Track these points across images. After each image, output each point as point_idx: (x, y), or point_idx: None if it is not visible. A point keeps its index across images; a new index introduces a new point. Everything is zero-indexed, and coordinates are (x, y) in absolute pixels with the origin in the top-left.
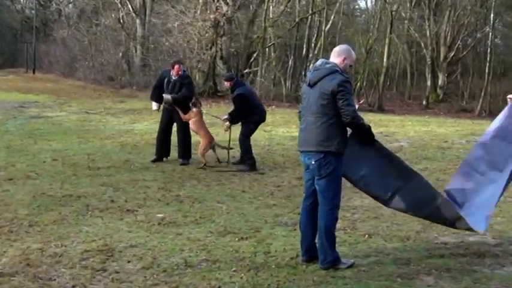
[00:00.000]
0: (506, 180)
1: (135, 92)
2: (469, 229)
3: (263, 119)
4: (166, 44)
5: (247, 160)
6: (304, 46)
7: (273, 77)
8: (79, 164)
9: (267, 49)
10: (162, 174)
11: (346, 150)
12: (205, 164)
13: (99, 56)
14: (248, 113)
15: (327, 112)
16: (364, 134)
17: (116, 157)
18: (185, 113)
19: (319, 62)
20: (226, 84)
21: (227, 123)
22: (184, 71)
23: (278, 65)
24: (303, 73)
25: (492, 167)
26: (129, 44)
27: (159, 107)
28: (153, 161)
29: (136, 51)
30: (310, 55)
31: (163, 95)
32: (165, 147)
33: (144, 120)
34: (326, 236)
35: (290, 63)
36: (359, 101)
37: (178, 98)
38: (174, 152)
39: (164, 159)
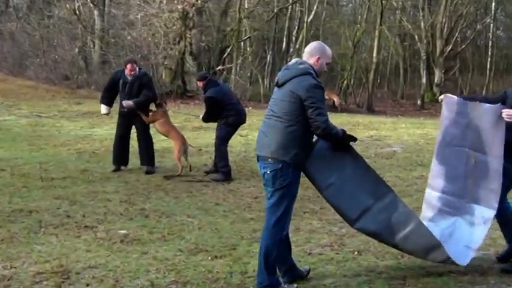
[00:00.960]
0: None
1: (94, 92)
2: (446, 261)
3: (242, 121)
4: (129, 38)
5: (222, 168)
6: (284, 40)
7: (249, 74)
8: (30, 174)
9: (242, 43)
10: (124, 185)
11: (316, 149)
12: (182, 170)
13: (52, 52)
14: (223, 114)
15: (289, 117)
16: (338, 142)
17: (72, 166)
18: (148, 115)
19: (292, 61)
20: (199, 84)
21: None
22: (139, 68)
23: (255, 61)
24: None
25: (457, 195)
26: (86, 38)
27: (109, 111)
28: (114, 171)
29: (94, 46)
30: (291, 50)
31: (123, 102)
32: (123, 154)
33: (104, 124)
34: (265, 257)
35: (268, 58)
36: (338, 100)
37: (140, 101)
38: (135, 160)
39: (122, 167)
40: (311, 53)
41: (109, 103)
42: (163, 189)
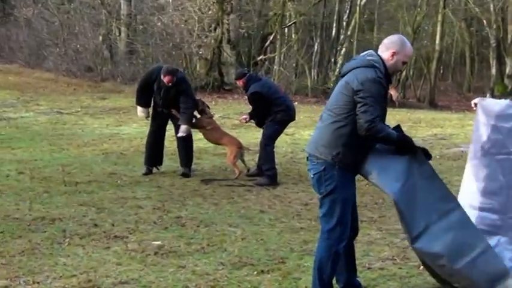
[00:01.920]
0: None
1: (120, 85)
2: None
3: (291, 117)
4: (159, 24)
5: (267, 171)
6: (334, 25)
7: (294, 65)
8: (52, 178)
9: (286, 30)
10: (157, 190)
11: (379, 149)
12: (239, 175)
13: (74, 40)
14: (270, 112)
15: (338, 111)
16: (395, 146)
17: (98, 169)
18: (191, 121)
19: (365, 52)
20: (239, 83)
21: (244, 116)
22: (179, 71)
23: (301, 49)
24: (333, 60)
25: (499, 211)
26: (112, 25)
27: (147, 113)
28: (145, 174)
29: (120, 34)
30: (341, 37)
31: (182, 127)
32: (157, 154)
33: (132, 122)
34: (319, 273)
35: (316, 47)
36: (396, 94)
37: (188, 118)
38: (168, 162)
39: (155, 169)
40: (387, 46)
41: (146, 103)
42: (201, 195)
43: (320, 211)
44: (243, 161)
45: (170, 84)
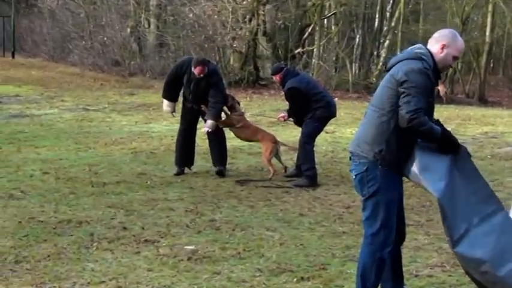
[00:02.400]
0: None
1: (149, 81)
2: None
3: (332, 113)
4: (190, 15)
5: (306, 171)
6: (377, 16)
7: (334, 58)
8: (78, 178)
9: (325, 21)
10: (189, 192)
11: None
12: (274, 174)
13: (100, 33)
14: (309, 108)
15: (382, 106)
16: (438, 143)
17: (127, 169)
18: (219, 118)
19: (412, 46)
20: (275, 78)
21: (282, 114)
22: (209, 62)
23: (341, 42)
24: (375, 53)
25: None
26: (140, 17)
27: (173, 108)
28: (177, 174)
29: (149, 25)
30: (385, 28)
31: (208, 122)
32: (188, 153)
33: (162, 119)
34: (362, 280)
35: (357, 39)
36: (443, 89)
37: (217, 112)
38: (200, 161)
39: (187, 169)
40: (437, 39)
41: (173, 97)
42: (236, 197)
43: (363, 214)
44: (279, 160)
45: (201, 75)
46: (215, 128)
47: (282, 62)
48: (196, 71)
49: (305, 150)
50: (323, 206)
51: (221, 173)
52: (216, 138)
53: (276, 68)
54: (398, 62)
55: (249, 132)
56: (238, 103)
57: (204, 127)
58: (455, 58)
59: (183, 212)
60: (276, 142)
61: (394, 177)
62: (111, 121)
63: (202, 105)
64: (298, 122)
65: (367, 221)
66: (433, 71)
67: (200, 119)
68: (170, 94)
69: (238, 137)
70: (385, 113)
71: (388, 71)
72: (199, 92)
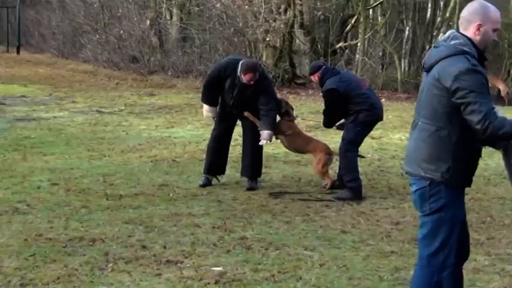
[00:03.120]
0: None
1: (171, 79)
2: None
3: (378, 117)
4: (218, 5)
5: (349, 182)
6: (429, 6)
7: (381, 53)
8: (91, 190)
9: (371, 11)
10: (217, 206)
11: None
12: (332, 184)
13: (116, 25)
14: (350, 111)
15: (439, 116)
16: None
17: (147, 180)
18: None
19: (446, 35)
20: (313, 78)
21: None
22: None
23: (389, 35)
24: (427, 47)
25: None
26: (161, 7)
27: (216, 114)
28: (203, 185)
29: (172, 17)
30: (438, 20)
31: (264, 133)
32: (220, 162)
33: (186, 123)
34: None
35: (407, 32)
36: (505, 89)
37: (272, 121)
38: (229, 171)
39: (218, 178)
40: (468, 19)
41: (214, 102)
42: (270, 211)
43: (420, 232)
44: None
45: (252, 82)
46: (270, 138)
47: (322, 59)
48: (245, 78)
49: (347, 158)
50: (369, 222)
51: (253, 189)
52: (253, 147)
53: (314, 67)
54: (438, 61)
55: (299, 142)
56: (293, 108)
57: (260, 139)
58: (495, 30)
59: (210, 229)
60: (330, 153)
61: (459, 192)
62: (128, 125)
63: (246, 112)
64: (329, 123)
65: (424, 240)
66: (478, 58)
67: (238, 121)
68: (211, 98)
69: (287, 146)
70: (445, 125)
71: (427, 71)
72: (244, 98)
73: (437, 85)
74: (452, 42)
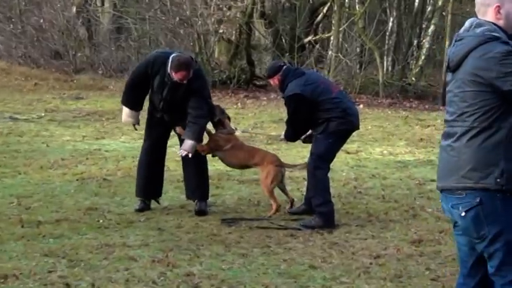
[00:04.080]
0: None
1: (102, 79)
2: None
3: (352, 126)
4: None
5: (319, 207)
6: None
7: (359, 49)
8: (2, 215)
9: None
10: (158, 235)
11: None
12: (276, 210)
13: (35, 13)
14: (319, 118)
15: (482, 115)
16: None
17: (71, 202)
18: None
19: (467, 25)
20: (272, 82)
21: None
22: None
23: (369, 27)
24: (415, 42)
25: None
26: None
27: (137, 120)
28: (140, 210)
29: (103, 3)
30: (428, 9)
31: (184, 154)
32: (155, 181)
33: (120, 133)
34: None
35: (391, 24)
36: None
37: (200, 130)
38: (173, 192)
39: (158, 201)
40: (484, 3)
41: (137, 105)
42: (222, 242)
43: (490, 265)
44: (284, 190)
45: (184, 82)
46: (192, 150)
47: (287, 55)
48: (177, 76)
49: (316, 177)
50: (342, 255)
51: (202, 213)
52: (194, 162)
53: (272, 68)
54: (468, 53)
55: (242, 156)
56: (229, 118)
57: (179, 150)
58: None
59: (149, 263)
60: (280, 165)
61: None
62: (49, 136)
63: (178, 128)
64: (291, 137)
65: (500, 272)
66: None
67: (172, 132)
68: (133, 100)
69: (228, 163)
70: (490, 123)
71: (454, 69)
72: (175, 100)
73: (476, 80)
74: (478, 30)
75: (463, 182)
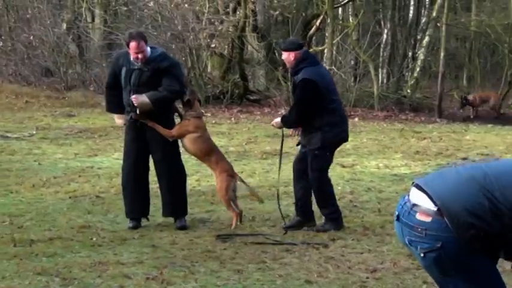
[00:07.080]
0: None
1: (95, 96)
2: None
3: (342, 137)
4: (151, 4)
5: (331, 214)
6: (412, 3)
7: (353, 62)
8: None
9: (340, 10)
10: (152, 252)
11: None
12: (240, 218)
13: (25, 30)
14: (316, 121)
15: None
16: None
17: (64, 221)
18: (168, 126)
19: None
20: (289, 56)
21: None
22: (152, 47)
23: (363, 40)
24: (410, 54)
25: None
26: (81, 7)
27: (126, 119)
28: (134, 227)
29: (93, 19)
30: (423, 20)
31: (133, 97)
32: (141, 200)
33: (113, 150)
34: None
35: (385, 36)
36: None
37: (160, 97)
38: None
39: (145, 220)
40: None
41: (121, 108)
42: (217, 258)
43: None
44: (233, 200)
45: (140, 56)
46: (143, 107)
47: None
48: (132, 48)
49: (324, 191)
50: (339, 269)
51: (183, 228)
52: (171, 175)
53: (294, 43)
54: None
55: (203, 147)
56: (200, 101)
57: (131, 97)
58: None
59: (143, 281)
60: (233, 176)
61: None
62: (41, 154)
63: (150, 122)
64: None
65: None
66: None
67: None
68: (115, 102)
69: (187, 148)
70: None
71: None
72: (145, 86)
73: None
74: None
75: None
